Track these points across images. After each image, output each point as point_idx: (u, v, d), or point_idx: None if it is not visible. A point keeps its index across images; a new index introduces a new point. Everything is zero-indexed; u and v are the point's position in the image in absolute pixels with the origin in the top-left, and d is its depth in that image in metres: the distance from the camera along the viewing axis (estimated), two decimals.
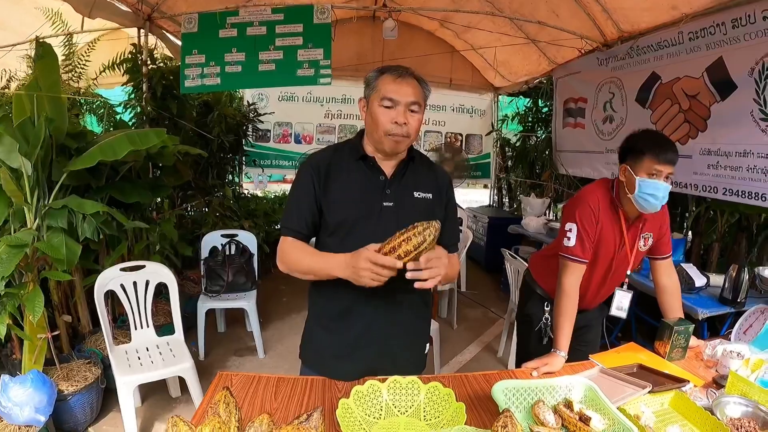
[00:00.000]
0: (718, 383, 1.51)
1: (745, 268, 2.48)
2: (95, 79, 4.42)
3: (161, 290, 3.05)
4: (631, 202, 1.73)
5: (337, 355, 1.48)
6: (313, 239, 1.50)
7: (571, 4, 3.79)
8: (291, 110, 6.21)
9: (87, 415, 2.51)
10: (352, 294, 1.42)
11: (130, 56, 3.80)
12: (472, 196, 9.16)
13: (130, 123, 3.85)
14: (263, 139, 6.14)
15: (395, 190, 1.42)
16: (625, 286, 1.94)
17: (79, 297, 2.91)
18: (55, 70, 2.61)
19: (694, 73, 3.14)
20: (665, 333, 1.71)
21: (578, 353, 1.78)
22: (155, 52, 3.93)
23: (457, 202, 1.76)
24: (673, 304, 1.89)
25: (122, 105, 4.02)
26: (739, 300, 2.48)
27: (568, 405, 1.26)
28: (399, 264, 1.14)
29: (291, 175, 6.52)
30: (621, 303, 1.93)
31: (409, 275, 1.18)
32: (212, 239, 3.65)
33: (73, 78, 4.21)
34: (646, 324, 3.14)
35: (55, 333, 2.53)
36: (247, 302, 3.42)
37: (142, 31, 3.74)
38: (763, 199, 2.71)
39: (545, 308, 1.99)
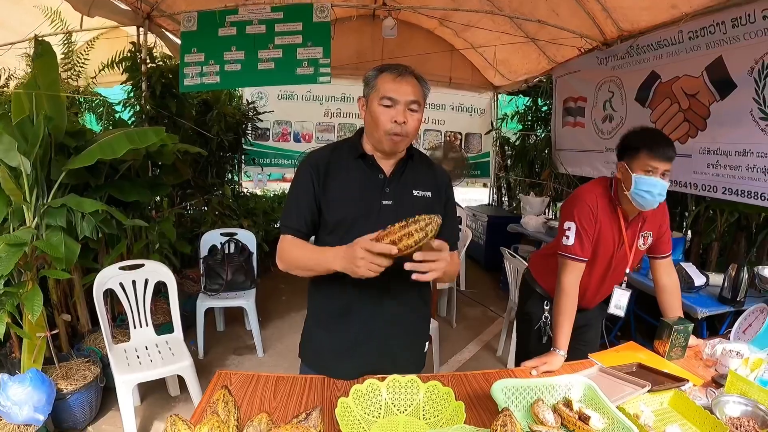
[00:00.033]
0: (718, 382, 1.51)
1: (745, 268, 2.48)
2: (94, 77, 4.42)
3: (160, 289, 3.05)
4: (629, 200, 1.73)
5: (337, 354, 1.48)
6: (313, 238, 1.49)
7: (570, 3, 3.79)
8: (290, 109, 6.20)
9: (86, 414, 2.52)
10: (352, 293, 1.42)
11: (129, 55, 3.80)
12: (471, 195, 9.17)
13: (130, 121, 3.84)
14: (262, 137, 6.14)
15: (394, 189, 1.42)
16: (623, 285, 1.94)
17: (78, 296, 2.91)
18: (54, 69, 2.60)
19: (693, 72, 3.14)
20: (664, 332, 1.71)
21: (578, 352, 1.78)
22: (154, 50, 3.92)
23: (457, 200, 1.76)
24: (672, 303, 1.89)
25: (121, 103, 4.02)
26: (738, 299, 2.49)
27: (568, 404, 1.26)
28: (394, 250, 1.12)
29: (290, 173, 6.53)
30: (619, 301, 1.93)
31: (408, 266, 1.17)
32: (211, 238, 3.65)
33: (72, 76, 4.20)
34: (646, 323, 3.14)
35: (54, 332, 2.54)
36: (246, 301, 3.42)
37: (141, 29, 3.73)
38: (763, 198, 2.72)
39: (545, 307, 1.99)
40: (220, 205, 4.74)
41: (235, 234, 3.69)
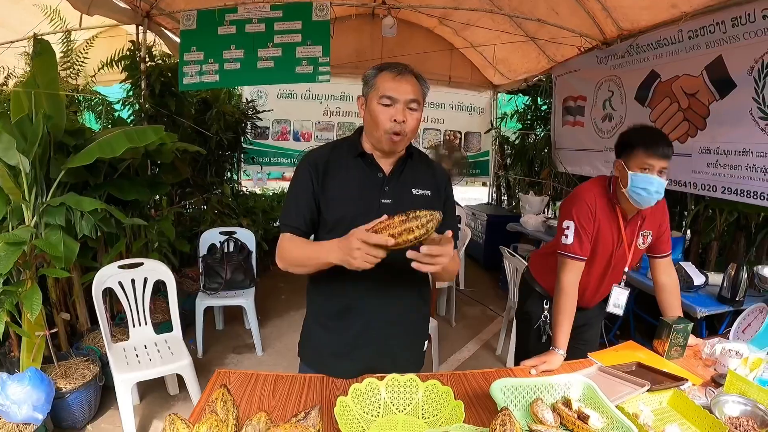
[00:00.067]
0: (717, 382, 1.51)
1: (744, 267, 2.48)
2: (93, 76, 4.42)
3: (159, 288, 3.05)
4: (627, 198, 1.73)
5: (336, 354, 1.48)
6: (312, 237, 1.49)
7: (570, 2, 3.78)
8: (290, 107, 6.20)
9: (85, 412, 2.51)
10: (351, 292, 1.42)
11: (128, 53, 3.80)
12: (470, 194, 9.16)
13: (129, 120, 3.84)
14: (262, 136, 6.13)
15: (393, 187, 1.42)
16: (622, 283, 1.94)
17: (77, 294, 2.90)
18: (53, 67, 2.60)
19: (693, 71, 3.14)
20: (664, 331, 1.71)
21: (577, 352, 1.79)
22: (154, 49, 3.92)
23: (456, 199, 1.75)
24: (672, 303, 1.89)
25: (120, 102, 4.02)
26: (737, 299, 2.49)
27: (567, 403, 1.26)
28: (391, 242, 1.11)
29: (289, 172, 6.53)
30: (618, 300, 1.93)
31: (411, 254, 1.15)
32: (211, 237, 3.64)
33: (72, 75, 4.21)
34: (645, 322, 3.14)
35: (53, 330, 2.54)
36: (245, 300, 3.42)
37: (140, 28, 3.72)
38: (762, 197, 2.71)
39: (544, 306, 1.99)
40: (219, 204, 4.74)
41: (235, 233, 3.68)
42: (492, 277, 5.45)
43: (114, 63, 4.08)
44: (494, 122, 6.68)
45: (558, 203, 5.39)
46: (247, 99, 5.76)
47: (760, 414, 1.28)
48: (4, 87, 4.00)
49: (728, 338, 1.97)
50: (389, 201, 1.39)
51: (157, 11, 3.76)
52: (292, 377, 1.45)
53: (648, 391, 1.37)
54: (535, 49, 4.96)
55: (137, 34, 3.73)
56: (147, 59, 3.76)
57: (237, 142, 5.47)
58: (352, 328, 1.45)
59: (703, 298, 2.61)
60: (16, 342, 2.55)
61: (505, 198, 7.10)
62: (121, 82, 3.97)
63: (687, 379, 1.46)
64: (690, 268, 2.72)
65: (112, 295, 2.92)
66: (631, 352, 1.74)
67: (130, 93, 3.89)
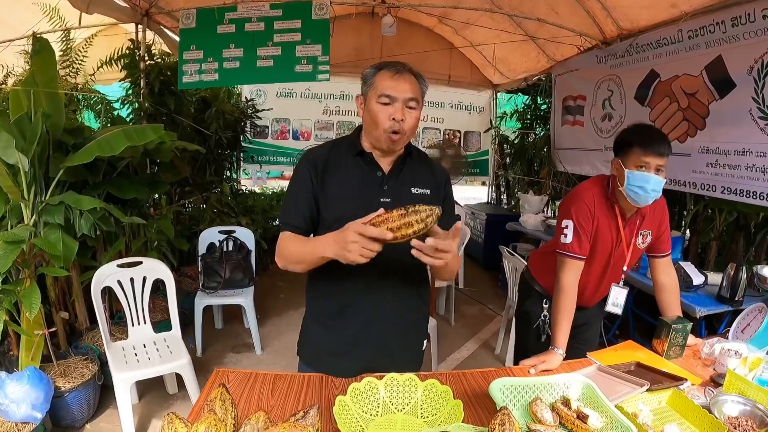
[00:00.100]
0: (716, 382, 1.51)
1: (743, 267, 2.48)
2: (93, 74, 4.41)
3: (158, 287, 3.04)
4: (625, 196, 1.73)
5: (335, 353, 1.48)
6: (311, 235, 1.49)
7: (570, 2, 3.78)
8: (289, 106, 6.19)
9: (84, 411, 2.51)
10: (350, 291, 1.42)
11: (127, 52, 3.79)
12: (470, 193, 9.16)
13: (128, 119, 3.84)
14: (261, 135, 6.13)
15: (393, 186, 1.41)
16: (621, 283, 1.94)
17: (76, 293, 2.90)
18: (52, 66, 2.59)
19: (693, 71, 3.14)
20: (663, 331, 1.71)
21: (576, 351, 1.79)
22: (153, 47, 3.91)
23: (455, 199, 1.75)
24: (671, 302, 1.89)
25: (120, 101, 4.02)
26: (736, 298, 2.49)
27: (566, 403, 1.26)
28: (389, 235, 1.09)
29: (289, 171, 6.53)
30: (616, 299, 1.93)
31: (415, 243, 1.14)
32: (210, 235, 3.64)
33: (71, 74, 4.20)
34: (644, 322, 3.14)
35: (52, 329, 2.53)
36: (244, 299, 3.42)
37: (139, 26, 3.71)
38: (762, 197, 2.71)
39: (543, 305, 1.99)
40: (218, 203, 4.73)
41: (234, 232, 3.68)
42: (491, 277, 5.45)
43: (113, 61, 4.08)
44: (494, 121, 6.67)
45: (557, 203, 5.40)
46: (246, 98, 5.75)
47: (759, 414, 1.28)
48: (4, 85, 3.99)
49: (727, 338, 1.97)
50: (388, 200, 1.39)
51: (157, 10, 3.75)
52: (291, 376, 1.45)
53: (647, 390, 1.37)
54: (535, 49, 4.96)
55: (136, 32, 3.73)
56: (146, 58, 3.75)
57: (236, 141, 5.46)
58: (352, 327, 1.45)
59: (702, 298, 2.61)
60: (15, 341, 2.55)
61: (505, 197, 7.10)
62: (120, 81, 3.97)
63: (686, 379, 1.46)
64: (689, 267, 2.72)
65: (111, 293, 2.92)
66: (630, 352, 1.74)
67: (130, 92, 3.89)
